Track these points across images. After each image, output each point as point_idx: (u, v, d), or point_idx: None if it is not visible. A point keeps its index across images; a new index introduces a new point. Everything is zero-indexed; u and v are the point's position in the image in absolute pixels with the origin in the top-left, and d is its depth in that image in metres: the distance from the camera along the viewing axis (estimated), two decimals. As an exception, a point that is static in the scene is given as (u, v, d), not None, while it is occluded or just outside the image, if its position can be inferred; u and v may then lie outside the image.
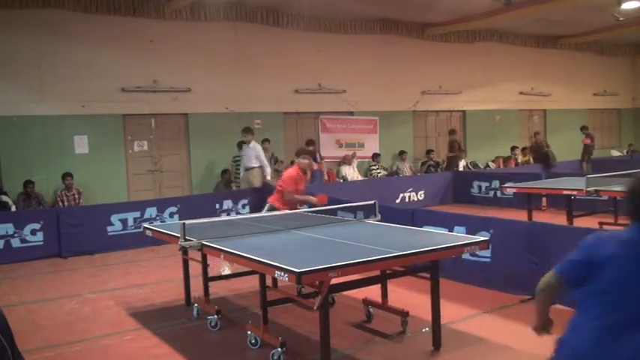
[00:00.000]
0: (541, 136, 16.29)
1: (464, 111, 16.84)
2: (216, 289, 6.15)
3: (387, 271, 4.86)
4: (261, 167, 10.96)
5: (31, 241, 8.80)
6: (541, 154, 14.07)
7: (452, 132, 15.29)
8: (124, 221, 9.35)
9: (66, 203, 10.40)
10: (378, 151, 14.71)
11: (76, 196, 10.60)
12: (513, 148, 16.71)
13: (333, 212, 6.91)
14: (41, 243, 8.86)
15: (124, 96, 11.57)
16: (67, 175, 10.51)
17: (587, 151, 16.18)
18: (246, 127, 11.04)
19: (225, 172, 12.48)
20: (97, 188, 11.12)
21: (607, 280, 2.29)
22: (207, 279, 5.64)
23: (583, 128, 16.54)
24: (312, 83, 13.88)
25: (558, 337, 2.44)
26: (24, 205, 10.17)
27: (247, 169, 11.07)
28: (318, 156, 12.57)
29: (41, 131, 10.78)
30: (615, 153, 19.91)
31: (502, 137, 17.05)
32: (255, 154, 10.97)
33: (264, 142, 12.21)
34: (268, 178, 10.95)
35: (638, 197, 2.50)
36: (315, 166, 12.05)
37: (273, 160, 12.34)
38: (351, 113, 14.73)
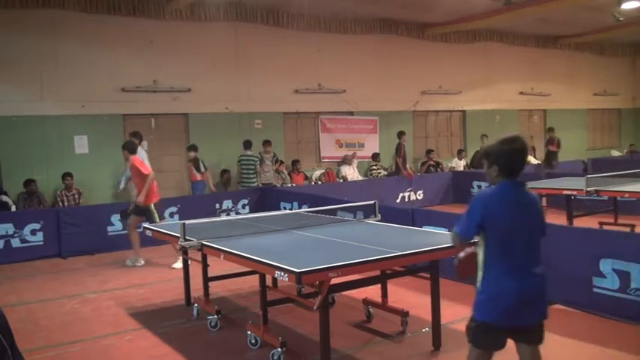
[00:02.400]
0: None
1: (464, 111, 16.84)
2: (216, 289, 6.15)
3: (387, 271, 4.86)
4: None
5: (31, 241, 8.81)
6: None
7: (401, 133, 13.84)
8: (123, 221, 9.34)
9: (66, 203, 10.39)
10: (377, 151, 14.71)
11: (76, 196, 10.60)
12: None
13: (333, 212, 6.91)
14: (41, 243, 8.87)
15: (124, 96, 11.57)
16: (66, 175, 10.51)
17: (554, 157, 15.17)
18: (132, 132, 9.78)
19: (225, 172, 12.47)
20: (97, 188, 11.12)
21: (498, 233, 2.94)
22: (207, 279, 5.64)
23: (550, 130, 15.42)
24: (312, 83, 13.88)
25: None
26: (25, 205, 10.17)
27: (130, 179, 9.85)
28: (202, 165, 11.31)
29: (41, 131, 10.78)
30: (615, 153, 19.90)
31: (502, 137, 17.03)
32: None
33: (265, 144, 12.02)
34: (121, 186, 9.86)
35: (505, 158, 2.99)
36: (199, 177, 11.25)
37: (274, 161, 12.28)
38: (351, 113, 14.73)
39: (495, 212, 2.94)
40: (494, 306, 2.93)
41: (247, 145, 11.98)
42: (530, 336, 3.03)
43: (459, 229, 3.05)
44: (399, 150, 13.43)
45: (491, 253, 2.95)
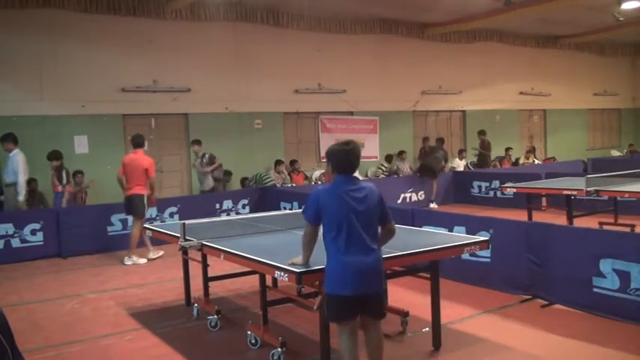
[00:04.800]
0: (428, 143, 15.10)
1: (464, 111, 16.84)
2: (216, 289, 6.15)
3: (387, 271, 4.84)
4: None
5: (31, 241, 8.80)
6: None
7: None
8: (124, 221, 9.31)
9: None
10: (377, 152, 14.76)
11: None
12: (508, 149, 16.69)
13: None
14: (41, 243, 8.86)
15: (123, 96, 11.57)
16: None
17: (487, 161, 15.07)
18: (4, 135, 8.75)
19: (227, 172, 12.42)
20: (97, 188, 11.10)
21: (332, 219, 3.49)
22: (207, 279, 5.64)
23: (480, 133, 15.31)
24: (312, 83, 13.88)
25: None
26: (26, 204, 10.14)
27: (7, 186, 8.92)
28: (65, 176, 9.80)
29: (41, 131, 10.78)
30: (615, 153, 19.90)
31: (502, 137, 17.04)
32: (12, 167, 8.55)
33: (194, 144, 11.21)
34: (21, 198, 8.62)
35: (335, 157, 3.59)
36: (60, 188, 9.72)
37: (206, 161, 11.12)
38: (351, 113, 14.73)
39: (326, 203, 3.51)
40: (335, 279, 3.46)
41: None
42: (371, 307, 3.57)
43: (308, 217, 3.63)
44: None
45: (326, 236, 3.52)
